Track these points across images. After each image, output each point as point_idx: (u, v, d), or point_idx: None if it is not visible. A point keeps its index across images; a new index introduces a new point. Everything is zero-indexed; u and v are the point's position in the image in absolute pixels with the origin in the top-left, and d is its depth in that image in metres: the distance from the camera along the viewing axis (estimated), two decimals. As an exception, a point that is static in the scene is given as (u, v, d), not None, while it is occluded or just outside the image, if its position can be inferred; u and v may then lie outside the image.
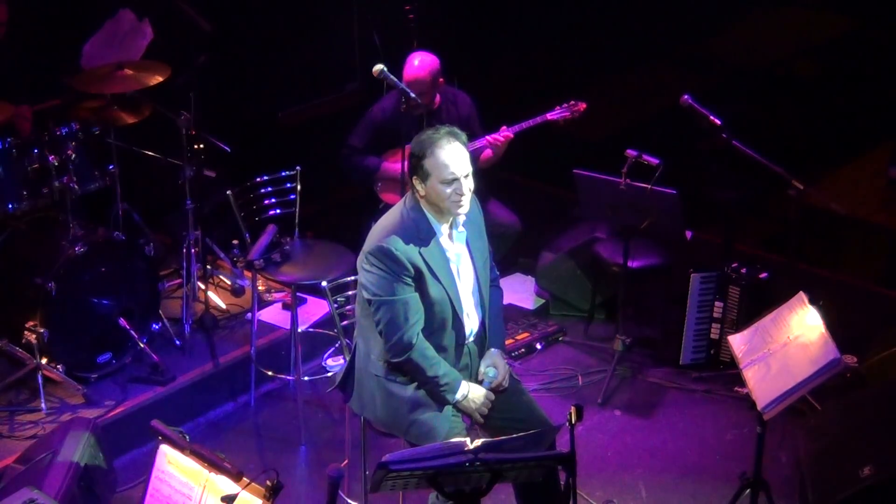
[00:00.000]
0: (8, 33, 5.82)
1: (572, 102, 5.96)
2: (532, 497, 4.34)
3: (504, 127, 5.95)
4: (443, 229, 4.19)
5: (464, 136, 4.16)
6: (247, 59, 7.10)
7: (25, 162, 5.48)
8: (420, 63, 5.86)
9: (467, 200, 4.12)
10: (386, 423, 4.33)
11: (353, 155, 6.03)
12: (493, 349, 4.38)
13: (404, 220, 4.14)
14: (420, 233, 4.12)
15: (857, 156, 7.87)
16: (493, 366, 4.33)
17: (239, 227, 5.62)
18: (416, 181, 4.13)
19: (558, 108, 5.96)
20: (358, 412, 4.41)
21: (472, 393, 4.23)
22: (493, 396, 4.27)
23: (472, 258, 4.28)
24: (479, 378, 4.32)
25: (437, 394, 4.18)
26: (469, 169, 4.11)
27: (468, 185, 4.10)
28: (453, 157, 4.07)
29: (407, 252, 4.07)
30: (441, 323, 4.21)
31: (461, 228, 4.23)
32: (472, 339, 4.33)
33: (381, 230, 4.15)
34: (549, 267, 6.46)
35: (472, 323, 4.31)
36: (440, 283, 4.14)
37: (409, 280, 4.09)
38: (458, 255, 4.23)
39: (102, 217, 6.11)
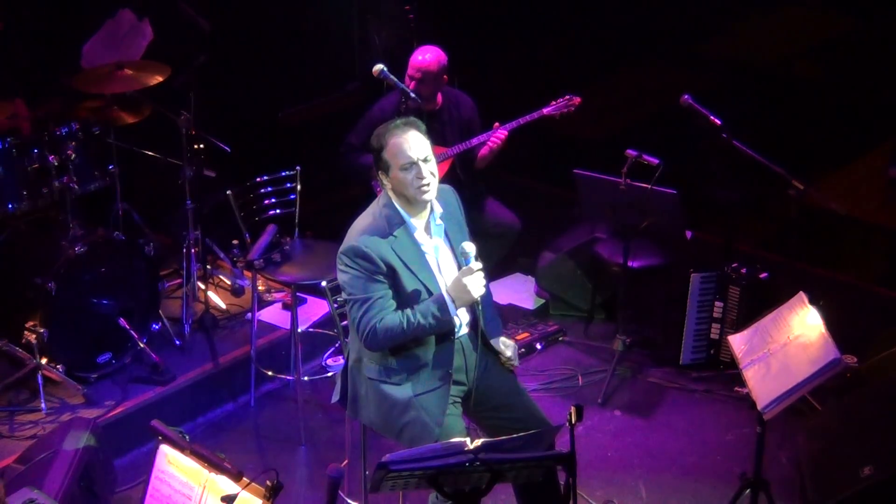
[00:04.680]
0: (8, 33, 5.82)
1: (568, 97, 5.96)
2: (532, 497, 4.33)
3: (497, 124, 5.94)
4: (417, 223, 4.18)
5: (422, 126, 4.15)
6: (247, 59, 7.09)
7: (25, 162, 5.47)
8: (431, 54, 5.87)
9: (432, 186, 4.11)
10: (379, 426, 4.30)
11: (350, 152, 6.03)
12: (499, 338, 4.39)
13: (376, 217, 4.16)
14: (392, 228, 4.12)
15: (857, 156, 7.87)
16: (504, 345, 4.36)
17: (239, 227, 5.62)
18: (381, 176, 4.15)
19: (553, 103, 5.96)
20: (352, 417, 4.40)
21: (452, 283, 4.08)
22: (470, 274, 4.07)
23: (452, 251, 4.26)
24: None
25: (431, 324, 4.06)
26: (427, 153, 4.09)
27: (429, 169, 4.09)
28: (408, 141, 4.07)
29: (378, 249, 4.07)
30: None
31: (439, 221, 4.22)
32: (461, 333, 4.27)
33: (354, 230, 4.17)
34: (549, 267, 6.46)
35: (459, 317, 4.24)
36: (416, 277, 4.13)
37: (381, 278, 4.09)
38: (436, 248, 4.21)
39: (102, 217, 6.11)
